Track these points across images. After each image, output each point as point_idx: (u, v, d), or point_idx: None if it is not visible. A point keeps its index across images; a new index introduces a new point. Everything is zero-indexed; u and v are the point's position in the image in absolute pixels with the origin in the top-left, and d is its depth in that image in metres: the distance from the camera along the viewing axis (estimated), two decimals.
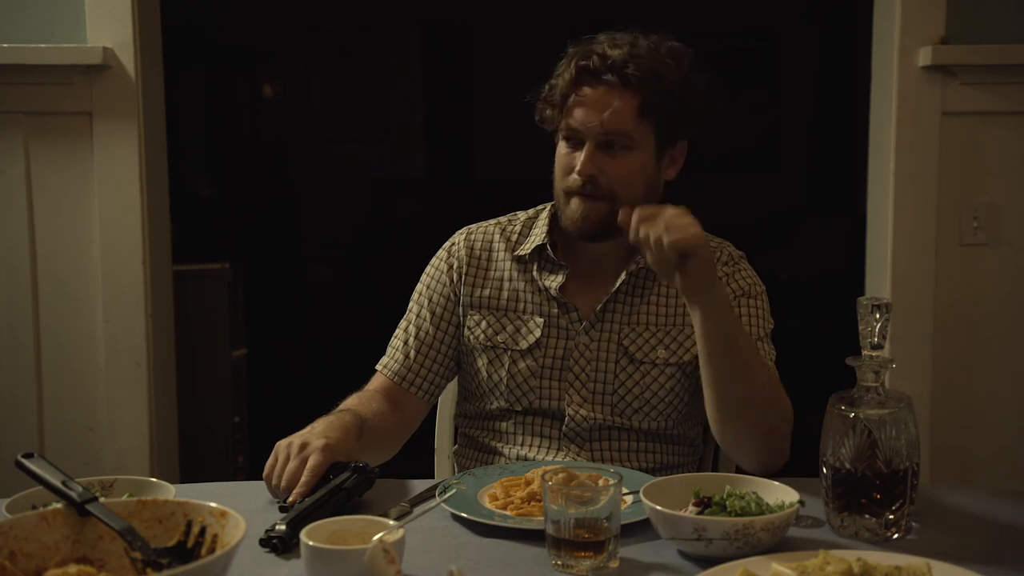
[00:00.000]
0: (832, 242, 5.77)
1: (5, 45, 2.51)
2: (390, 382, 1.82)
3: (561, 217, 1.74)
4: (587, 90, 1.67)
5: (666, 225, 1.45)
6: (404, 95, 6.77)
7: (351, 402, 1.74)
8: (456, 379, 1.90)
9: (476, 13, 6.55)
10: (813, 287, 5.54)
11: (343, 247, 6.61)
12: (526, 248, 1.80)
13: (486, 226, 1.87)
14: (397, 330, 1.86)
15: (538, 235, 1.80)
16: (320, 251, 6.65)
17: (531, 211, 1.88)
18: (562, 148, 1.72)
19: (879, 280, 2.67)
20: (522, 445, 1.77)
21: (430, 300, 1.83)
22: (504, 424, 1.79)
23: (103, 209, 2.59)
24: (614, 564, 1.25)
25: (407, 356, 1.82)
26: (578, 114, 1.67)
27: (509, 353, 1.77)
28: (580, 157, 1.67)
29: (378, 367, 1.85)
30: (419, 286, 1.87)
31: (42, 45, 2.52)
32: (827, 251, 5.84)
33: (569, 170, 1.70)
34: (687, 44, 1.73)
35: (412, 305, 1.86)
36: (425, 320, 1.83)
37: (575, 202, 1.70)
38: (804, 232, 6.15)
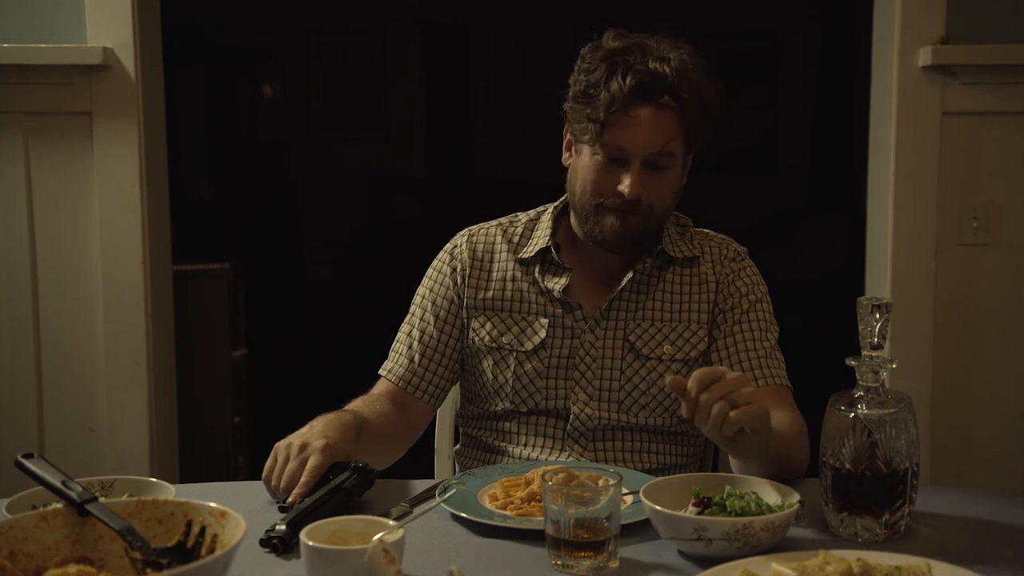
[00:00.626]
0: (832, 242, 5.77)
1: (5, 45, 2.51)
2: (395, 387, 1.81)
3: (590, 229, 1.71)
4: (640, 111, 1.62)
5: (731, 399, 1.33)
6: (404, 95, 6.77)
7: (355, 404, 1.73)
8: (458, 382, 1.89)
9: (476, 13, 6.55)
10: (813, 287, 5.54)
11: (343, 247, 6.61)
12: (529, 250, 1.80)
13: (487, 227, 1.86)
14: (399, 334, 1.85)
15: (541, 237, 1.80)
16: (320, 251, 6.65)
17: (532, 212, 1.87)
18: (595, 161, 1.67)
19: (879, 280, 2.67)
20: (525, 445, 1.77)
21: (434, 303, 1.83)
22: (508, 424, 1.79)
23: (103, 209, 2.59)
24: (614, 564, 1.25)
25: (411, 360, 1.81)
26: (630, 135, 1.63)
27: (515, 354, 1.77)
28: (627, 176, 1.64)
29: (382, 372, 1.84)
30: (421, 289, 1.86)
31: (42, 45, 2.52)
32: (827, 251, 5.84)
33: (608, 186, 1.66)
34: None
35: (414, 308, 1.85)
36: (429, 323, 1.82)
37: (612, 217, 1.67)
38: (804, 232, 6.14)
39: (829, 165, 6.58)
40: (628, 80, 1.61)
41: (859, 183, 3.49)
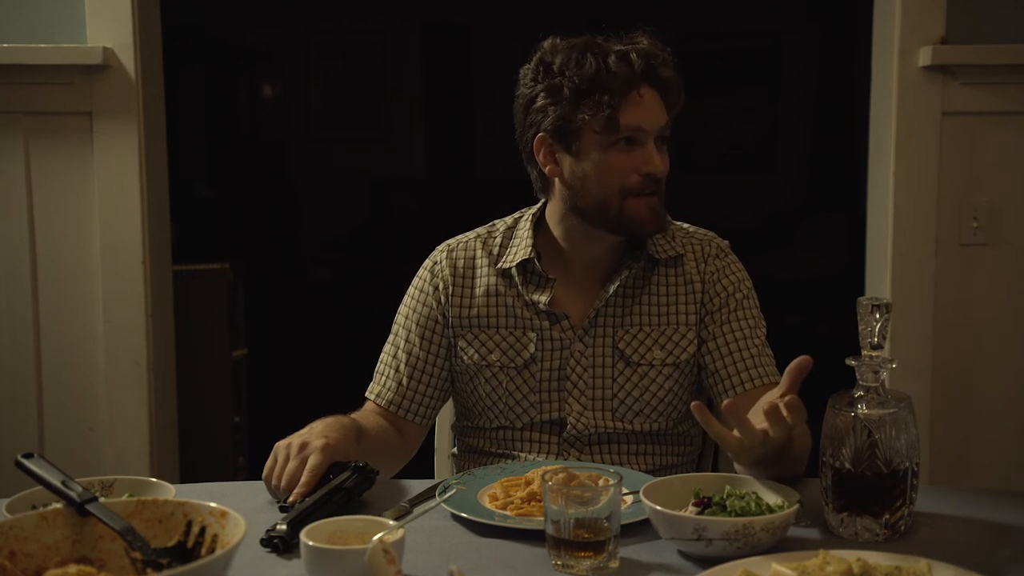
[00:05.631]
0: (832, 242, 5.77)
1: (5, 45, 2.51)
2: (385, 411, 1.79)
3: (615, 220, 1.68)
4: (644, 90, 1.66)
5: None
6: (404, 95, 6.76)
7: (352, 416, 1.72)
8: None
9: (476, 13, 6.55)
10: (813, 287, 5.54)
11: (343, 247, 6.61)
12: (509, 261, 1.76)
13: (466, 240, 1.83)
14: (383, 355, 1.83)
15: (521, 247, 1.76)
16: (320, 251, 6.64)
17: (509, 219, 1.84)
18: (611, 153, 1.65)
19: (879, 280, 2.67)
20: (521, 451, 1.76)
21: (418, 323, 1.80)
22: (504, 433, 1.78)
23: (103, 209, 2.59)
24: (614, 564, 1.25)
25: (400, 383, 1.79)
26: (641, 114, 1.65)
27: (506, 371, 1.75)
28: (650, 155, 1.66)
29: (370, 396, 1.81)
30: (403, 308, 1.83)
31: (42, 45, 2.52)
32: (827, 251, 5.83)
33: (630, 171, 1.65)
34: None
35: (398, 329, 1.82)
36: (415, 344, 1.79)
37: (640, 200, 1.66)
38: (804, 232, 6.14)
39: (829, 165, 6.57)
40: (634, 58, 1.65)
41: (859, 183, 3.49)
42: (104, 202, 2.59)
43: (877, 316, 1.33)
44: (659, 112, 1.67)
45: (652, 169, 1.66)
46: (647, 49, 1.67)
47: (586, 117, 1.64)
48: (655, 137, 1.67)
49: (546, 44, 1.71)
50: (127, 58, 2.55)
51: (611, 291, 1.73)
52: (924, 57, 2.52)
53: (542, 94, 1.68)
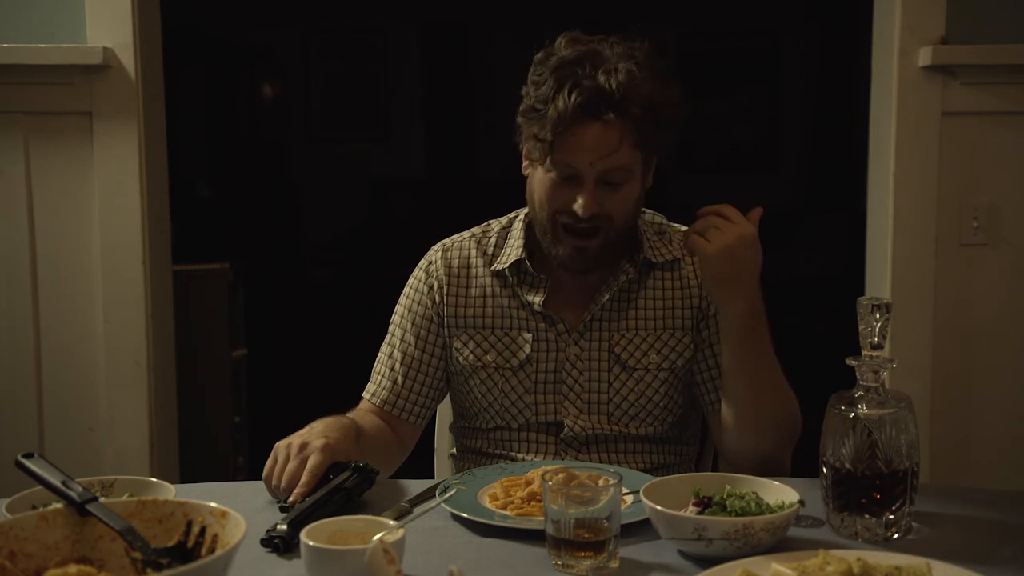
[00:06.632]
0: (832, 242, 5.77)
1: (5, 45, 2.51)
2: (380, 410, 1.79)
3: (548, 248, 1.67)
4: (586, 129, 1.56)
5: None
6: (404, 95, 6.77)
7: (349, 415, 1.72)
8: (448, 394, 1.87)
9: (476, 13, 6.55)
10: (813, 287, 5.54)
11: (343, 247, 6.61)
12: (503, 262, 1.76)
13: (461, 240, 1.83)
14: (380, 355, 1.83)
15: (513, 247, 1.76)
16: (320, 251, 6.65)
17: (504, 220, 1.84)
18: (549, 179, 1.62)
19: (879, 280, 2.67)
20: (519, 451, 1.76)
21: (413, 323, 1.79)
22: (501, 434, 1.78)
23: (103, 209, 2.59)
24: (614, 564, 1.25)
25: (395, 383, 1.79)
26: (578, 154, 1.57)
27: (501, 372, 1.74)
28: (580, 195, 1.59)
29: (365, 395, 1.81)
30: (399, 308, 1.83)
31: (42, 45, 2.52)
32: (827, 251, 5.84)
33: (563, 204, 1.61)
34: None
35: (394, 329, 1.82)
36: (410, 344, 1.79)
37: (570, 241, 1.63)
38: (804, 232, 6.14)
39: (829, 165, 6.58)
40: (574, 97, 1.54)
41: (859, 183, 3.49)
42: (104, 202, 2.59)
43: (877, 316, 1.33)
44: (602, 153, 1.56)
45: (576, 209, 1.60)
46: (608, 84, 1.55)
47: (530, 140, 1.62)
48: (597, 177, 1.58)
49: (551, 44, 1.66)
50: (127, 58, 2.55)
51: (606, 295, 1.72)
52: (924, 57, 2.52)
53: (522, 96, 1.66)
